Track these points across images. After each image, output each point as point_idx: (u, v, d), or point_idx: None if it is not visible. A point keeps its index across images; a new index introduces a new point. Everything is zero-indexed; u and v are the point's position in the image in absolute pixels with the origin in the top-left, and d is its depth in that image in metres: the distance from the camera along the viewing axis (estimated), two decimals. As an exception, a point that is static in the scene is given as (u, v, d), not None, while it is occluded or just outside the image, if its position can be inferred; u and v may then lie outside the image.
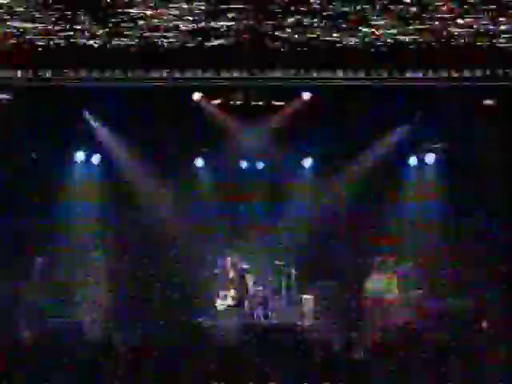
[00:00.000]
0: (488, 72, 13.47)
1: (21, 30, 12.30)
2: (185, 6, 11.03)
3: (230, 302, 14.61)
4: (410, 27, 11.97)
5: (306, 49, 12.87)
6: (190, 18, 11.58)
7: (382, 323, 14.20)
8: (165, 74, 13.65)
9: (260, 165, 17.16)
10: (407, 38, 12.50)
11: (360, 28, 11.98)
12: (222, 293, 14.73)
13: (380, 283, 14.82)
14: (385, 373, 7.03)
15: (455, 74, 13.58)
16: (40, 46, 13.01)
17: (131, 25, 11.88)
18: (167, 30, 12.12)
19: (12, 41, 12.78)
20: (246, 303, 15.17)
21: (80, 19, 11.71)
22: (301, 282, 16.18)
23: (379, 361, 8.28)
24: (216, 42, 12.69)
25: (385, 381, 6.53)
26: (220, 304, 14.67)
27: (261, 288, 15.60)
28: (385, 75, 13.53)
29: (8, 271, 14.90)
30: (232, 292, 14.61)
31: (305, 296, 15.85)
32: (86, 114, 15.96)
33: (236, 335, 14.03)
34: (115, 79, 13.91)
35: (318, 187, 16.89)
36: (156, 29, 12.07)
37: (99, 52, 13.16)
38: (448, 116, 15.26)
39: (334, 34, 12.29)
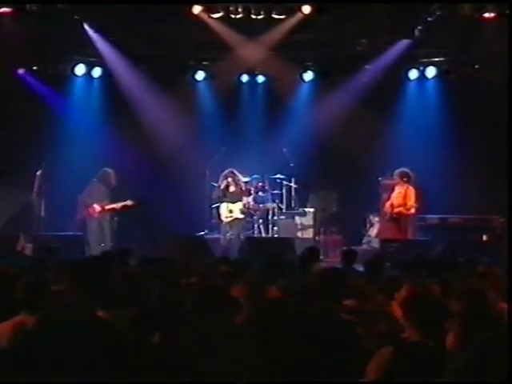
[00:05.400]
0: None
1: None
2: None
3: (238, 214, 14.87)
4: None
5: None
6: None
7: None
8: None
9: (260, 78, 17.16)
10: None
11: None
12: (228, 206, 14.89)
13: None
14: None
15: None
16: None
17: None
18: None
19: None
20: (255, 217, 15.46)
21: None
22: (301, 194, 16.37)
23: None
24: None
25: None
26: (226, 216, 14.89)
27: (261, 201, 15.73)
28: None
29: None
30: (240, 205, 14.86)
31: (305, 209, 16.06)
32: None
33: (237, 247, 14.29)
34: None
35: (318, 100, 16.92)
36: None
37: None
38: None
39: None
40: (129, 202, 14.64)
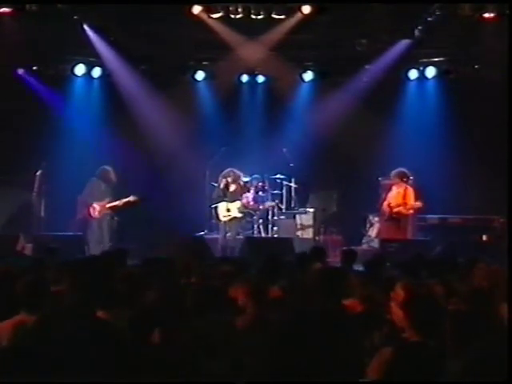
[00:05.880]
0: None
1: None
2: None
3: (236, 213, 14.86)
4: None
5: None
6: None
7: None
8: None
9: (260, 78, 17.16)
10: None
11: None
12: (226, 205, 14.88)
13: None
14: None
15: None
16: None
17: None
18: None
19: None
20: (255, 217, 15.48)
21: None
22: (301, 194, 16.37)
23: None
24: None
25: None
26: (224, 216, 14.88)
27: (261, 201, 15.73)
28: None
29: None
30: (238, 203, 14.85)
31: (305, 209, 16.06)
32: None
33: (236, 247, 14.29)
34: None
35: (318, 100, 16.92)
36: None
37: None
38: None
39: None
40: (131, 198, 14.63)
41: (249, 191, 15.42)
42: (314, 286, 6.21)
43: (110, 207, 14.70)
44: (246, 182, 15.46)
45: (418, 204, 14.15)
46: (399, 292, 5.74)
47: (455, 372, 4.04)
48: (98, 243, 14.34)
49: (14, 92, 15.53)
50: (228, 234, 14.86)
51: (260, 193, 15.75)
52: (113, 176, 14.76)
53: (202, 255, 10.76)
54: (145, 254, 11.11)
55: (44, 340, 4.40)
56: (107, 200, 14.69)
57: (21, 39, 15.06)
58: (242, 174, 15.16)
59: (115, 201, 14.69)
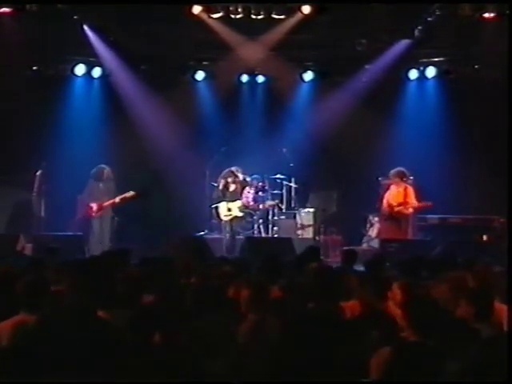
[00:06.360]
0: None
1: None
2: None
3: (237, 212, 14.87)
4: None
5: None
6: None
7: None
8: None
9: (260, 78, 17.16)
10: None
11: None
12: (227, 205, 14.90)
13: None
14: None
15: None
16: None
17: None
18: None
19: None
20: (255, 217, 15.48)
21: None
22: (301, 194, 16.37)
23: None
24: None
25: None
26: (225, 215, 14.89)
27: (261, 201, 15.73)
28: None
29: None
30: (239, 203, 14.87)
31: (305, 209, 16.06)
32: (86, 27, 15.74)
33: (236, 247, 14.30)
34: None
35: (318, 100, 16.92)
36: None
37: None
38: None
39: None
40: (128, 194, 14.62)
41: (249, 187, 15.40)
42: (312, 286, 6.22)
43: (109, 205, 14.70)
44: (245, 178, 15.44)
45: (428, 203, 14.14)
46: (396, 291, 5.75)
47: (454, 372, 4.05)
48: (98, 243, 14.34)
49: (13, 92, 15.53)
50: (227, 234, 14.87)
51: (260, 193, 15.75)
52: (108, 173, 14.76)
53: (202, 255, 10.77)
54: (145, 254, 11.13)
55: (44, 340, 4.41)
56: (106, 199, 14.71)
57: (21, 39, 15.06)
58: (241, 171, 15.16)
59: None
